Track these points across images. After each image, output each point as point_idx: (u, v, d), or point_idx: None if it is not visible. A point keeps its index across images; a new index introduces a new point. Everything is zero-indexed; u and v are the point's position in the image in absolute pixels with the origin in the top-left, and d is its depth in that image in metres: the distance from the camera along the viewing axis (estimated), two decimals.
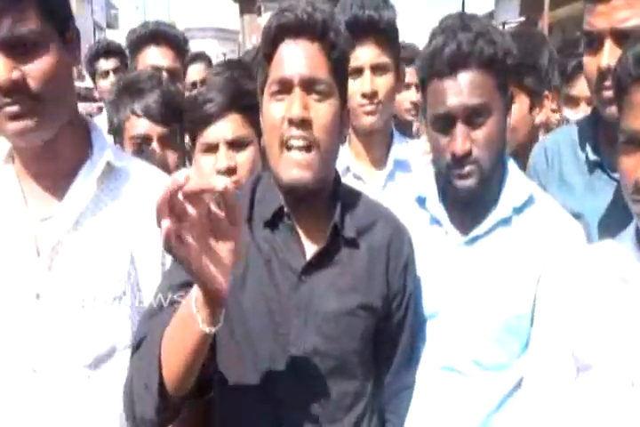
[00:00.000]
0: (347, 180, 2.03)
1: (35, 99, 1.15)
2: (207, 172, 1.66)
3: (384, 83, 1.96)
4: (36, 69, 1.15)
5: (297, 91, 1.21)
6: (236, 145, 1.66)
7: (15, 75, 1.13)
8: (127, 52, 2.87)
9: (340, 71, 1.27)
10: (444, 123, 1.38)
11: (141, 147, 1.90)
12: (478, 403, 1.41)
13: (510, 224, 1.44)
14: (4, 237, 1.24)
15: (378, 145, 2.05)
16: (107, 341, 1.25)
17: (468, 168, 1.37)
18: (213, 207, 0.90)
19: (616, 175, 1.56)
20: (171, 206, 0.87)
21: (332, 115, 1.24)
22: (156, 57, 2.68)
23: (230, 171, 1.63)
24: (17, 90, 1.14)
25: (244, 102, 1.65)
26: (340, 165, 2.04)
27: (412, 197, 1.53)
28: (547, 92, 2.04)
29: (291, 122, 1.20)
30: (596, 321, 1.22)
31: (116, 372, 1.23)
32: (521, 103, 1.96)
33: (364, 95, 1.93)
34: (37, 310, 1.22)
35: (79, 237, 1.25)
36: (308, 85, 1.21)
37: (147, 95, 1.92)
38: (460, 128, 1.35)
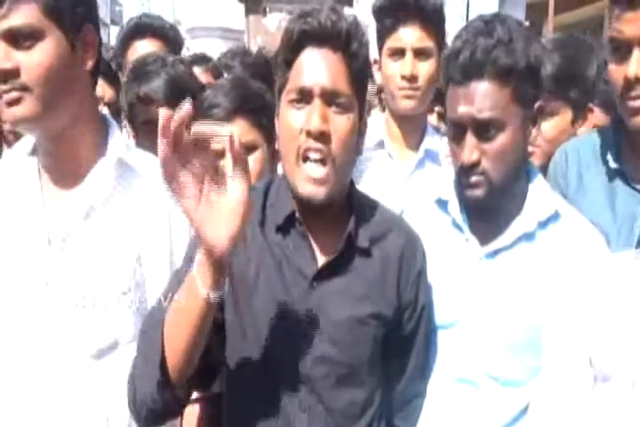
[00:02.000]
0: (379, 155, 2.02)
1: (24, 88, 1.19)
2: None
3: (425, 68, 1.93)
4: (27, 60, 1.19)
5: (317, 102, 1.19)
6: None
7: (8, 64, 1.18)
8: (118, 55, 2.78)
9: (360, 82, 1.24)
10: (457, 130, 1.34)
11: (151, 131, 1.88)
12: (491, 417, 1.38)
13: (534, 240, 1.39)
14: (19, 225, 1.29)
15: (412, 130, 2.03)
16: (109, 334, 1.28)
17: (475, 178, 1.33)
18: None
19: (636, 185, 1.56)
20: (176, 140, 0.87)
21: (351, 128, 1.22)
22: (143, 49, 2.60)
23: None
24: (11, 78, 1.19)
25: (251, 106, 1.65)
26: (372, 139, 2.00)
27: (433, 198, 1.50)
28: (590, 105, 1.95)
29: (309, 134, 1.18)
30: (616, 331, 1.21)
31: (120, 366, 1.25)
32: (564, 115, 1.90)
33: (403, 77, 1.90)
34: (46, 298, 1.26)
35: (88, 229, 1.29)
36: (329, 97, 1.19)
37: (152, 79, 1.91)
38: (469, 138, 1.31)
